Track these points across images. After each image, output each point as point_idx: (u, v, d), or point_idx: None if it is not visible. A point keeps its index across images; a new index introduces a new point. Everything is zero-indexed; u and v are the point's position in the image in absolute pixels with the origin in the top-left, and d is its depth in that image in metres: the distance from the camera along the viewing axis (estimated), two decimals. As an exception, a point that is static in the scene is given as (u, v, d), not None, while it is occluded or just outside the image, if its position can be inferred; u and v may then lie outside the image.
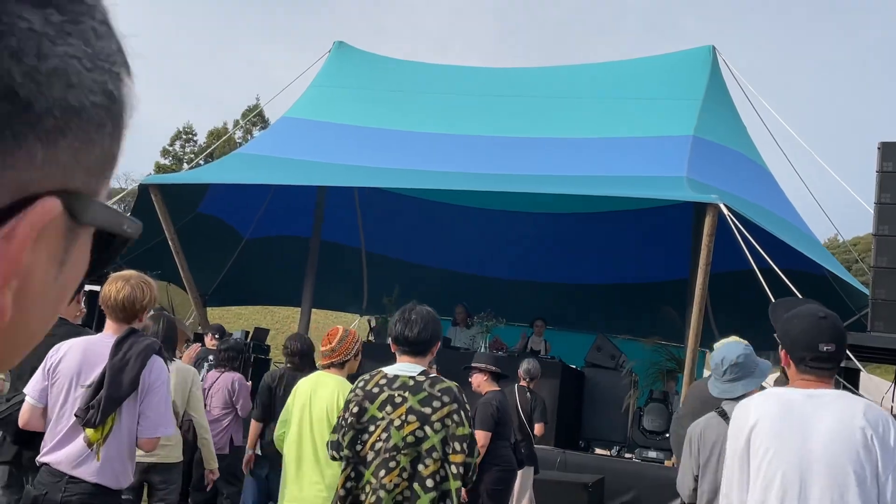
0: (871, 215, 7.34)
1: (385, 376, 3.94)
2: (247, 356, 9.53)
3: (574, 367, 11.64)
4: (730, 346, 4.20)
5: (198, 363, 8.24)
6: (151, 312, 4.24)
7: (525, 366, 8.64)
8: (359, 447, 3.84)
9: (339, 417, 4.08)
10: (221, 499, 7.64)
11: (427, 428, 3.64)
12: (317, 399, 4.83)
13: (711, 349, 5.61)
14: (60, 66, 0.49)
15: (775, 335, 3.11)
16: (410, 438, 3.63)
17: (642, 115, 11.02)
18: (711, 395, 4.14)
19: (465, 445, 3.65)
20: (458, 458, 3.62)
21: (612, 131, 10.91)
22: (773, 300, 8.22)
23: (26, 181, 0.49)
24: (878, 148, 7.39)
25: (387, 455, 3.63)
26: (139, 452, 4.15)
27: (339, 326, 5.17)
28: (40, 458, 3.90)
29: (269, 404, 6.81)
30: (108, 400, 3.81)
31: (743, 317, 9.81)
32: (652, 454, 9.82)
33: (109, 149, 0.54)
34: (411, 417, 3.66)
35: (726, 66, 12.22)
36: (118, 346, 3.93)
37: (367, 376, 4.04)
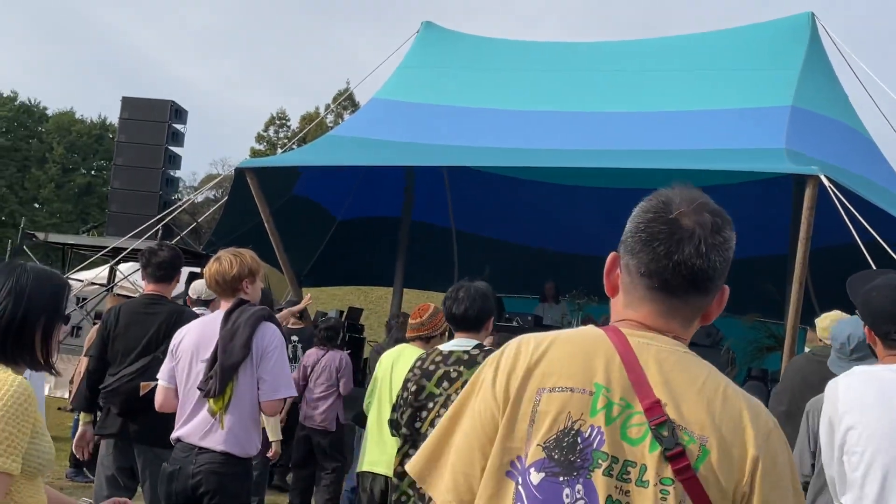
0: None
1: (441, 353, 4.00)
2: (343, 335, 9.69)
3: (669, 345, 11.43)
4: (854, 322, 3.97)
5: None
6: (258, 282, 4.33)
7: None
8: (418, 424, 3.89)
9: (397, 396, 4.13)
10: (324, 473, 7.80)
11: None
12: (397, 370, 4.89)
13: (813, 326, 5.40)
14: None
15: (856, 312, 2.95)
16: None
17: (739, 85, 10.68)
18: (832, 372, 3.86)
19: None
20: None
21: (707, 103, 10.60)
22: (878, 274, 7.92)
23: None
24: None
25: None
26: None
27: (431, 304, 5.20)
28: (173, 435, 4.09)
29: None
30: (223, 367, 3.97)
31: (845, 293, 9.42)
32: (751, 433, 9.58)
33: None
34: None
35: (826, 33, 11.75)
36: (227, 316, 4.10)
37: (423, 355, 4.10)
